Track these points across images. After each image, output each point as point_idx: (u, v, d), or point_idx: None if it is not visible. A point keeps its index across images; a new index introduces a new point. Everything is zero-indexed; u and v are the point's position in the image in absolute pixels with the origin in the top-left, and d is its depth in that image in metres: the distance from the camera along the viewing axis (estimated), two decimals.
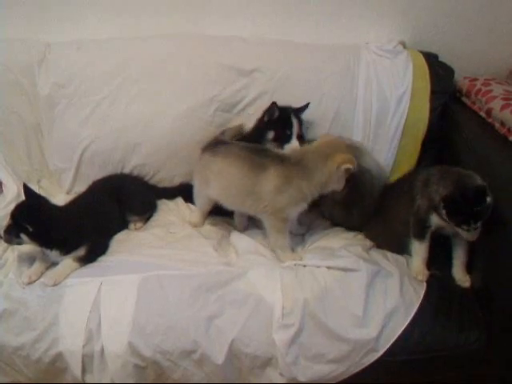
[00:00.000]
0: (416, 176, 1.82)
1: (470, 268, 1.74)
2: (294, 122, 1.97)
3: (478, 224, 1.59)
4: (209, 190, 1.88)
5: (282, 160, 1.77)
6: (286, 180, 1.74)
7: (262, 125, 1.97)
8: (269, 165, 1.76)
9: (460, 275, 1.74)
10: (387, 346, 1.55)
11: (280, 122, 1.96)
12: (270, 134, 1.96)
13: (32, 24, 2.21)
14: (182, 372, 1.55)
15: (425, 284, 1.68)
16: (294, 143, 1.97)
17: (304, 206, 1.78)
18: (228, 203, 1.87)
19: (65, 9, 2.19)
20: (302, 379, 1.54)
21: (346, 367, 1.54)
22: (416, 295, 1.64)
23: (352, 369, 1.54)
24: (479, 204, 1.56)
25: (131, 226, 1.99)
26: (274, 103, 1.94)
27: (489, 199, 1.56)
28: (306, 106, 2.03)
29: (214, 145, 1.92)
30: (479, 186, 1.58)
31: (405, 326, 1.57)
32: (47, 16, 2.20)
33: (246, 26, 2.22)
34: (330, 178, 1.73)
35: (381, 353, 1.55)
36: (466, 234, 1.64)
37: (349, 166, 1.69)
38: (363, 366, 1.54)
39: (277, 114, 1.95)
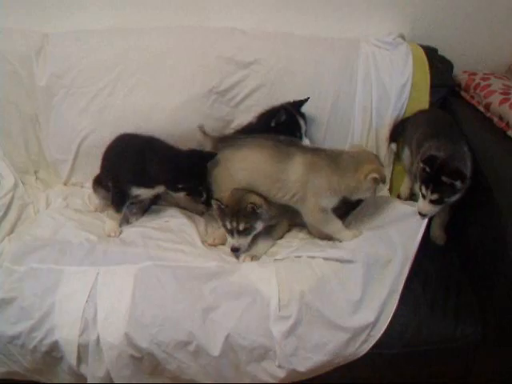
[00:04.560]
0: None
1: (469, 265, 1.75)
2: (302, 123, 1.98)
3: (434, 196, 1.64)
4: (234, 184, 1.84)
5: (313, 150, 1.81)
6: (314, 169, 1.76)
7: (270, 130, 1.95)
8: (296, 153, 1.78)
9: (437, 233, 1.82)
10: (383, 329, 1.55)
11: (287, 125, 1.96)
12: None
13: (30, 14, 2.19)
14: (177, 364, 1.55)
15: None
16: (306, 142, 2.00)
17: (335, 200, 1.78)
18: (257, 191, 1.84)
19: None
20: (301, 369, 1.53)
21: (345, 356, 1.54)
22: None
23: (350, 357, 1.55)
24: (449, 177, 1.61)
25: (131, 219, 1.98)
26: (282, 108, 1.95)
27: (459, 185, 1.61)
28: (306, 100, 2.02)
29: (234, 139, 1.94)
30: (457, 168, 1.63)
31: (401, 314, 1.57)
32: (46, 6, 2.19)
33: (245, 18, 2.21)
34: (359, 186, 1.74)
35: (379, 335, 1.55)
36: (420, 203, 1.70)
37: (375, 175, 1.71)
38: (362, 354, 1.54)
39: (284, 118, 1.95)
